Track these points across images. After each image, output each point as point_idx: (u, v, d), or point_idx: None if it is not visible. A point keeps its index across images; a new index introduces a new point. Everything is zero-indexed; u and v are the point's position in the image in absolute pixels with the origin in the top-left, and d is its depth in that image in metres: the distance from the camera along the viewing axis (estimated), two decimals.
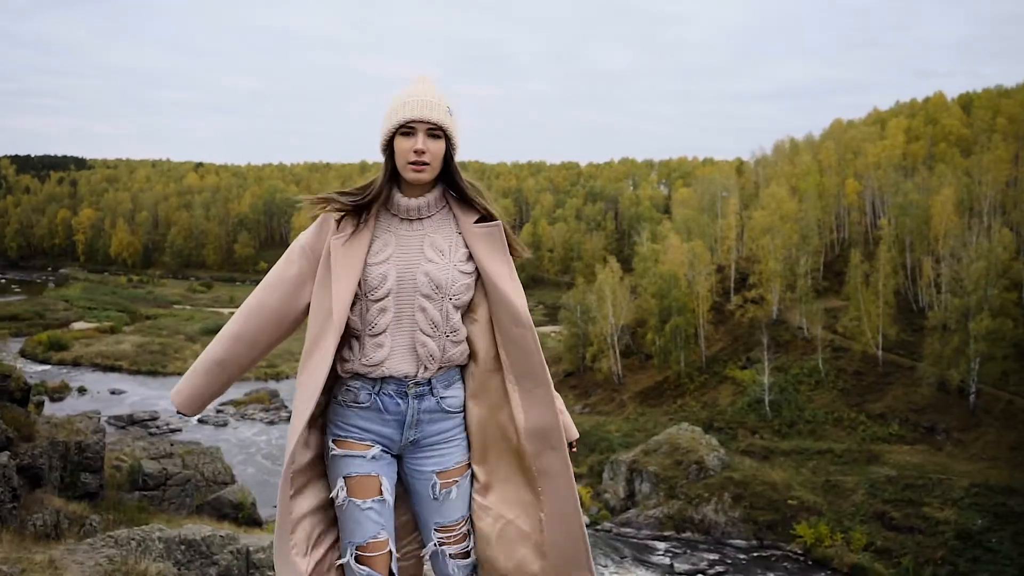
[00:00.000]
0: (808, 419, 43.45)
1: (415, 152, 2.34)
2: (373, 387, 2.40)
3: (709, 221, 63.75)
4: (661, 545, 35.79)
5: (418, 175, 2.37)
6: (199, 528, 7.55)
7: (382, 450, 2.41)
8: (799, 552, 34.40)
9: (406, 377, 2.38)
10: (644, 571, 33.51)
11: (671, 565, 33.79)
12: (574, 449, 2.57)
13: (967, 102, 73.19)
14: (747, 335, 51.71)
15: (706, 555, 34.58)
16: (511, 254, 2.44)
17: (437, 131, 2.36)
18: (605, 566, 33.92)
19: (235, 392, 56.81)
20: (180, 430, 47.42)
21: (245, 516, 24.10)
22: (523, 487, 2.44)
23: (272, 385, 59.81)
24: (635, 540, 36.27)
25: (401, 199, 2.44)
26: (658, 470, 38.91)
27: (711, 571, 33.19)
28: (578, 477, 41.05)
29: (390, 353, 2.37)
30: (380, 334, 2.37)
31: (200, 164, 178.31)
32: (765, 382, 45.04)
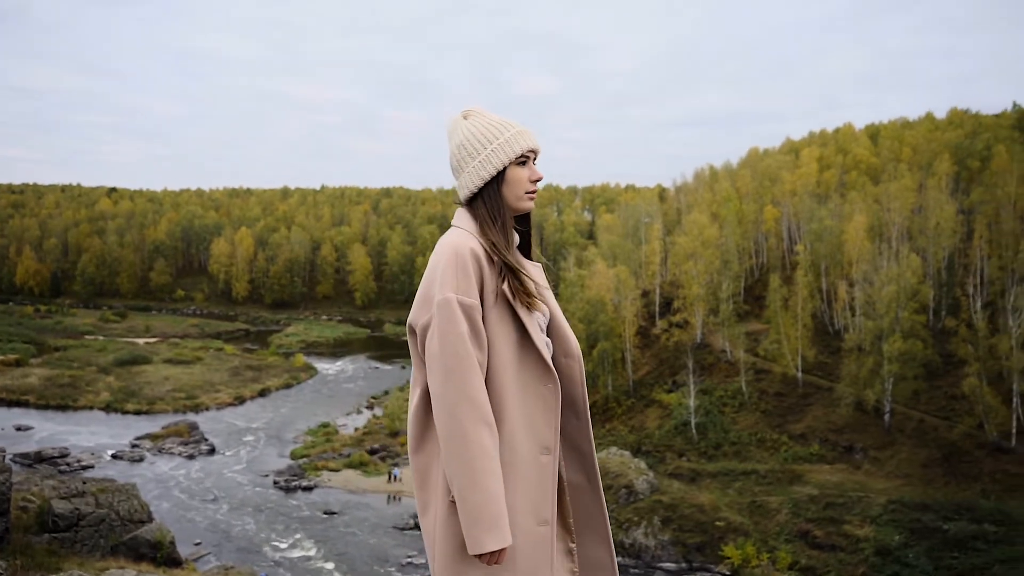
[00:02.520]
0: (733, 441, 44.23)
1: (533, 181, 2.31)
2: None
3: (633, 247, 64.78)
4: None
5: (532, 203, 2.36)
6: (123, 573, 7.04)
7: None
8: (727, 573, 34.79)
9: None
10: None
11: None
12: None
13: (874, 132, 76.71)
14: (673, 359, 52.51)
15: None
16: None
17: (536, 160, 2.38)
18: None
19: (151, 425, 54.60)
20: (92, 467, 45.21)
21: (163, 556, 23.00)
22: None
23: (191, 417, 57.75)
24: None
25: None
26: None
27: None
28: None
29: None
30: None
31: (113, 189, 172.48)
32: (691, 405, 45.72)
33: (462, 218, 2.33)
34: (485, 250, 2.24)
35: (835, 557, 33.93)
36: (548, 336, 2.37)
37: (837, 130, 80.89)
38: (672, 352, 52.98)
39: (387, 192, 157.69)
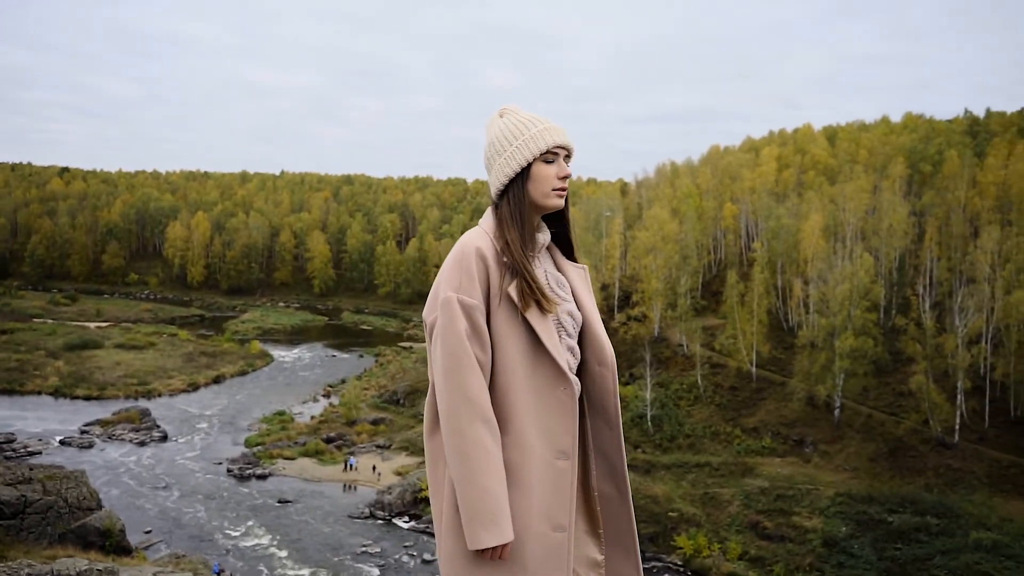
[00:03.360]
0: (688, 433, 44.85)
1: (561, 178, 2.27)
2: None
3: (594, 240, 65.11)
4: None
5: (561, 201, 2.29)
6: (73, 562, 6.93)
7: None
8: (679, 563, 35.33)
9: None
10: None
11: None
12: None
13: (832, 134, 78.03)
14: (630, 352, 52.99)
15: None
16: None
17: (569, 158, 2.33)
18: None
19: (101, 411, 53.58)
20: (39, 453, 44.25)
21: (113, 544, 22.64)
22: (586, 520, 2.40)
23: (143, 403, 56.78)
24: None
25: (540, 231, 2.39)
26: None
27: None
28: None
29: None
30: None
31: (66, 169, 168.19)
32: (647, 398, 46.22)
33: (486, 217, 2.34)
34: (497, 250, 2.23)
35: (784, 548, 34.65)
36: (582, 341, 2.32)
37: (796, 130, 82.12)
38: (630, 345, 53.47)
39: (348, 179, 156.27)
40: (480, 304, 2.17)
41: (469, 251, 2.19)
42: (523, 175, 2.24)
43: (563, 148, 2.27)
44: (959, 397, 39.86)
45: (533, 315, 2.17)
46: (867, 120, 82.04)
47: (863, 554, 32.99)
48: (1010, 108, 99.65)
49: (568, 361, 2.23)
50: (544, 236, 2.32)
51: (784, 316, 53.53)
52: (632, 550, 2.38)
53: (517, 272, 2.19)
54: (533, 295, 2.18)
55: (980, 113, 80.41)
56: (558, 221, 2.40)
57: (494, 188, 2.30)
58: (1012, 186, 53.43)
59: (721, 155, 79.66)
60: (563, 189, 2.26)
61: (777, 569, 33.51)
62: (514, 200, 2.25)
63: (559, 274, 2.34)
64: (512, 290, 2.17)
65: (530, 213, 2.27)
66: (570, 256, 2.40)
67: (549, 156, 2.24)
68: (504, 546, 2.11)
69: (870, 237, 53.32)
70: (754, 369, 47.64)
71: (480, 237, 2.24)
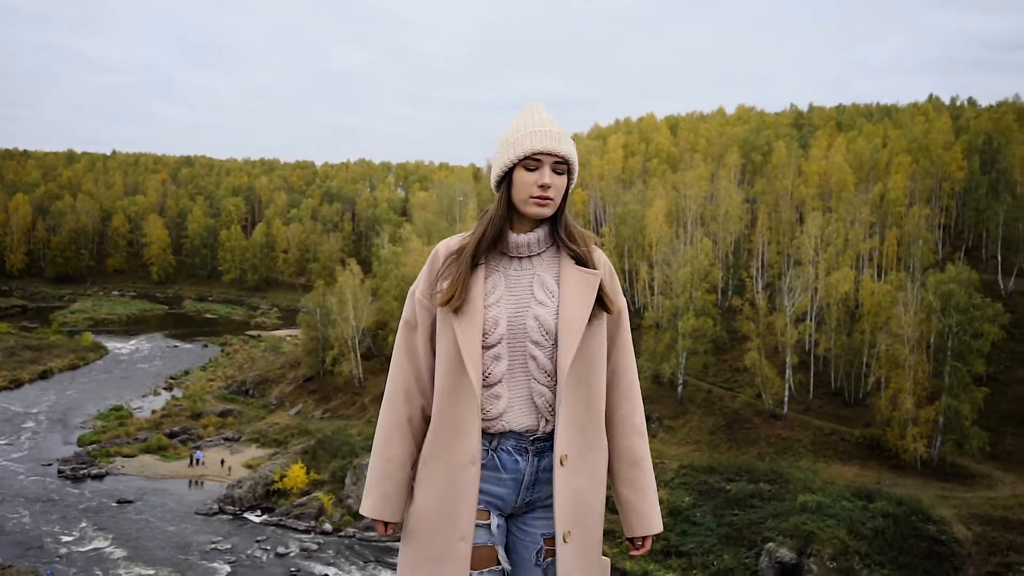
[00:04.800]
0: None
1: (540, 187, 2.16)
2: (490, 443, 2.21)
3: (448, 225, 65.18)
4: None
5: (540, 210, 2.19)
6: None
7: (498, 514, 2.24)
8: None
9: (527, 431, 2.21)
10: (390, 573, 33.41)
11: None
12: (644, 548, 2.44)
13: (674, 124, 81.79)
14: None
15: None
16: (602, 305, 2.25)
17: (562, 165, 2.19)
18: (351, 572, 33.39)
19: None
20: None
21: None
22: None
23: None
24: (380, 544, 36.06)
25: (511, 235, 2.25)
26: None
27: None
28: (320, 484, 40.12)
29: (508, 405, 2.19)
30: (496, 384, 2.19)
31: None
32: None
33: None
34: (462, 247, 2.26)
35: None
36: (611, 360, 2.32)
37: (641, 119, 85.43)
38: None
39: (188, 161, 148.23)
40: (424, 299, 2.29)
41: (436, 248, 2.31)
42: (508, 179, 2.22)
43: (549, 155, 2.17)
44: (787, 372, 43.02)
45: (450, 312, 2.18)
46: (705, 111, 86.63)
47: (704, 521, 35.08)
48: (828, 103, 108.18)
49: (485, 367, 2.19)
50: (527, 238, 2.24)
51: (631, 299, 55.75)
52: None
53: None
54: (450, 291, 2.19)
55: (804, 107, 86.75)
56: (562, 227, 2.30)
57: (492, 190, 2.33)
58: (832, 175, 58.04)
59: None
60: (541, 198, 2.17)
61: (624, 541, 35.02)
62: (496, 201, 2.26)
63: (550, 279, 2.24)
64: (443, 285, 2.22)
65: (505, 216, 2.24)
66: (582, 263, 2.27)
67: (530, 163, 2.17)
68: (388, 524, 2.27)
69: (709, 222, 56.39)
70: None
71: (455, 237, 2.32)
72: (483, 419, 2.19)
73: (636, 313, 53.41)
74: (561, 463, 2.16)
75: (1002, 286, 49.44)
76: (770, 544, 32.32)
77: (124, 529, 35.71)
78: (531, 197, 2.18)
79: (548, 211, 2.20)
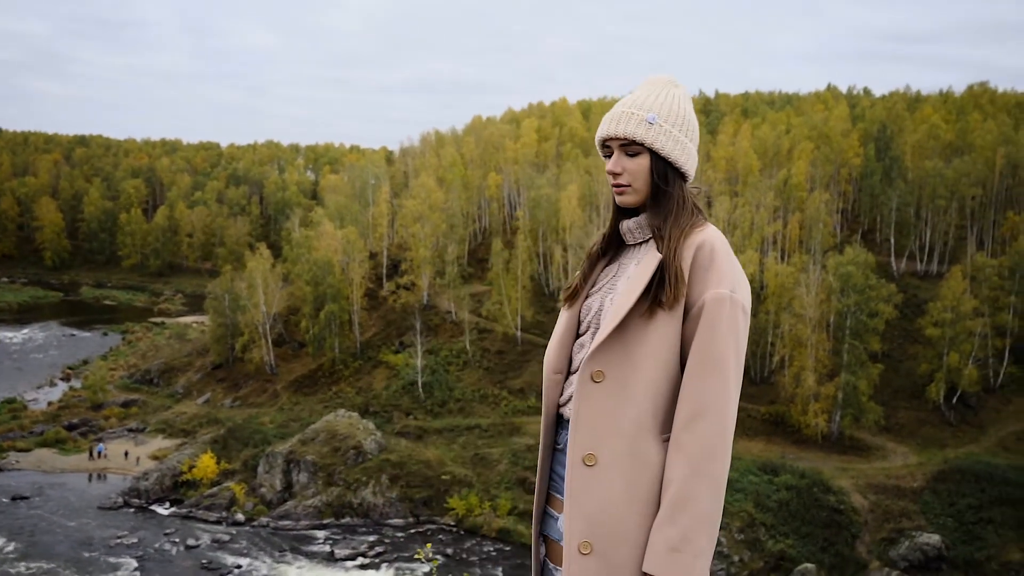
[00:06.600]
0: (458, 398, 45.95)
1: (609, 175, 2.05)
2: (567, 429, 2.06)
3: (361, 208, 64.21)
4: (320, 534, 35.43)
5: (619, 198, 2.06)
6: None
7: None
8: (452, 524, 36.29)
9: None
10: (305, 562, 32.92)
11: (331, 552, 33.61)
12: None
13: (586, 108, 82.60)
14: (400, 320, 53.10)
15: (366, 537, 34.97)
16: (663, 293, 1.94)
17: (634, 147, 2.01)
18: (265, 562, 32.72)
19: None
20: None
21: None
22: None
23: None
24: (294, 532, 35.47)
25: (622, 223, 2.14)
26: (316, 459, 38.40)
27: (371, 552, 33.64)
28: (231, 474, 39.08)
29: (571, 393, 2.05)
30: (575, 372, 2.06)
31: None
32: (418, 365, 46.66)
33: None
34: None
35: None
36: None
37: (554, 103, 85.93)
38: (399, 314, 53.57)
39: (82, 140, 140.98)
40: (568, 291, 2.27)
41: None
42: None
43: (613, 139, 2.02)
44: None
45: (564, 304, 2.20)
46: (617, 96, 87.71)
47: None
48: (734, 91, 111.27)
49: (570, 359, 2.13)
50: (627, 225, 2.12)
51: (546, 282, 56.23)
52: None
53: None
54: (569, 283, 2.20)
55: (711, 94, 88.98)
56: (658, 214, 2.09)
57: None
58: (738, 161, 59.80)
59: (484, 125, 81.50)
60: (615, 186, 2.06)
61: None
62: None
63: (634, 265, 2.08)
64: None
65: (614, 208, 2.16)
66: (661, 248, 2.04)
67: (604, 151, 2.08)
68: None
69: None
70: (519, 333, 49.68)
71: None
72: (559, 404, 2.10)
73: (551, 296, 53.91)
74: (585, 462, 1.94)
75: (894, 268, 52.10)
76: None
77: (19, 526, 33.99)
78: (612, 185, 2.08)
79: (627, 198, 2.05)
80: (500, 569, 32.68)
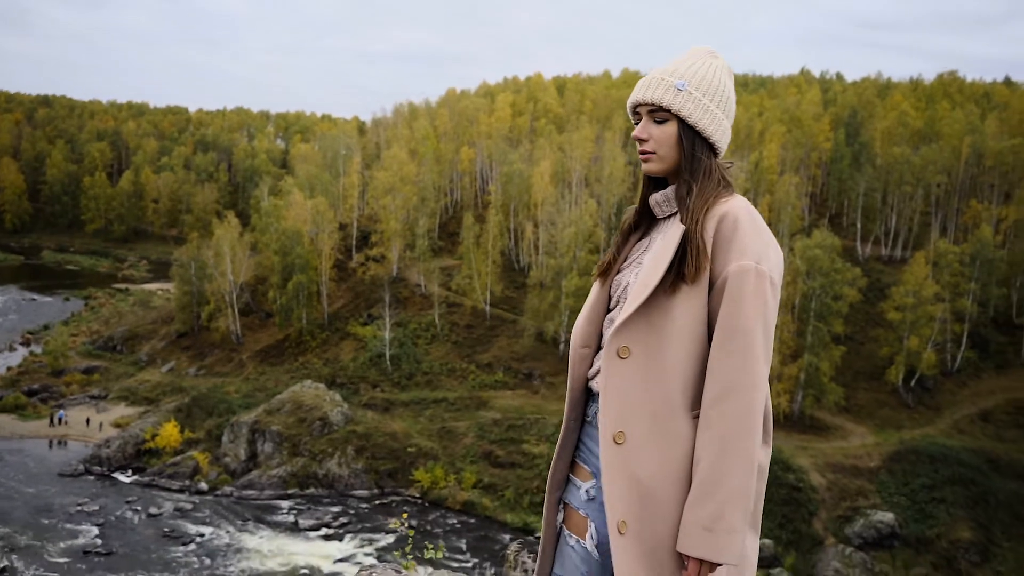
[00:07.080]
0: (425, 371, 45.97)
1: (636, 141, 2.01)
2: (597, 403, 2.05)
3: (331, 179, 63.53)
4: (285, 504, 35.43)
5: (646, 165, 2.02)
6: None
7: (598, 488, 2.00)
8: (417, 496, 36.47)
9: None
10: (268, 532, 32.90)
11: (295, 522, 33.63)
12: (687, 573, 1.86)
13: (561, 84, 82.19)
14: (369, 292, 52.86)
15: (330, 508, 35.03)
16: (686, 267, 1.89)
17: (661, 113, 1.96)
18: (227, 532, 32.65)
19: None
20: None
21: None
22: None
23: None
24: (258, 502, 35.40)
25: (651, 194, 2.11)
26: (281, 429, 38.29)
27: (335, 523, 33.72)
28: (195, 443, 38.83)
29: (598, 368, 2.04)
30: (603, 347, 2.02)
31: None
32: (386, 337, 46.56)
33: None
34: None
35: (514, 473, 37.04)
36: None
37: (529, 79, 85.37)
38: (368, 286, 53.31)
39: (45, 100, 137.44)
40: (602, 264, 2.26)
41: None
42: None
43: (642, 105, 2.00)
44: None
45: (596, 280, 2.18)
46: (592, 73, 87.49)
47: None
48: None
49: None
50: (655, 198, 2.10)
51: (516, 257, 56.22)
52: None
53: None
54: (603, 259, 2.18)
55: None
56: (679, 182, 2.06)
57: None
58: None
59: (458, 98, 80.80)
60: (640, 152, 2.02)
61: (508, 493, 35.81)
62: None
63: (658, 240, 2.05)
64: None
65: (648, 178, 2.13)
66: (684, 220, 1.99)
67: (634, 118, 2.05)
68: None
69: (593, 184, 57.31)
70: (488, 308, 49.73)
71: None
72: (588, 377, 2.10)
73: (521, 272, 53.98)
74: (615, 440, 1.91)
75: (860, 252, 52.85)
76: None
77: None
78: (640, 152, 2.02)
79: (652, 165, 2.01)
80: (464, 541, 32.98)
